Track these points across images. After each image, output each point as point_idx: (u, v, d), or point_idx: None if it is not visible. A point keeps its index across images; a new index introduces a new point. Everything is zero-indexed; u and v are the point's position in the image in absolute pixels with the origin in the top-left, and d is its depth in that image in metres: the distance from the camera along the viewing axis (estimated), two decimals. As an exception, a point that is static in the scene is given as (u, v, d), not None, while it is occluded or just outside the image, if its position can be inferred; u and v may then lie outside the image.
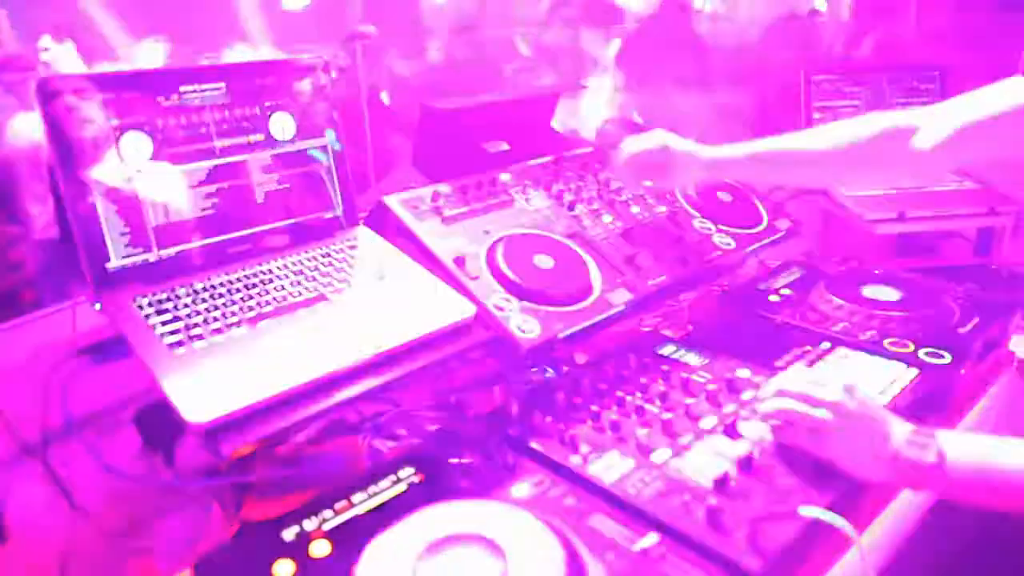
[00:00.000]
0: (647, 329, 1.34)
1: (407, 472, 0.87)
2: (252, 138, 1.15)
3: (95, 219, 1.01)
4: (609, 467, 0.90)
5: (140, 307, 1.01)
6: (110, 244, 1.03)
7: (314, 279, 1.12)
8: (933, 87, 2.08)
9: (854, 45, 3.00)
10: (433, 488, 0.85)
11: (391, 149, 2.22)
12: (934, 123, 1.13)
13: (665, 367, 1.13)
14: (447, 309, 1.10)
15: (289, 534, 0.78)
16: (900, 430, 0.89)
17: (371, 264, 1.17)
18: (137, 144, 1.05)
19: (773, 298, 1.37)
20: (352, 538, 0.77)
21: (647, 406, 1.02)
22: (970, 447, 0.88)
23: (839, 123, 1.25)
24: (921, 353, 1.15)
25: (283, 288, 1.09)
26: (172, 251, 1.08)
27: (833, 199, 1.93)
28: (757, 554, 0.77)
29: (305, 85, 1.19)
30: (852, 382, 0.94)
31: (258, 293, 1.07)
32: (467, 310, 1.10)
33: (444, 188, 1.34)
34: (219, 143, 1.12)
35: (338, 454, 1.07)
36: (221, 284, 1.08)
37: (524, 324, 1.13)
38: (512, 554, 0.73)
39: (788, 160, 1.28)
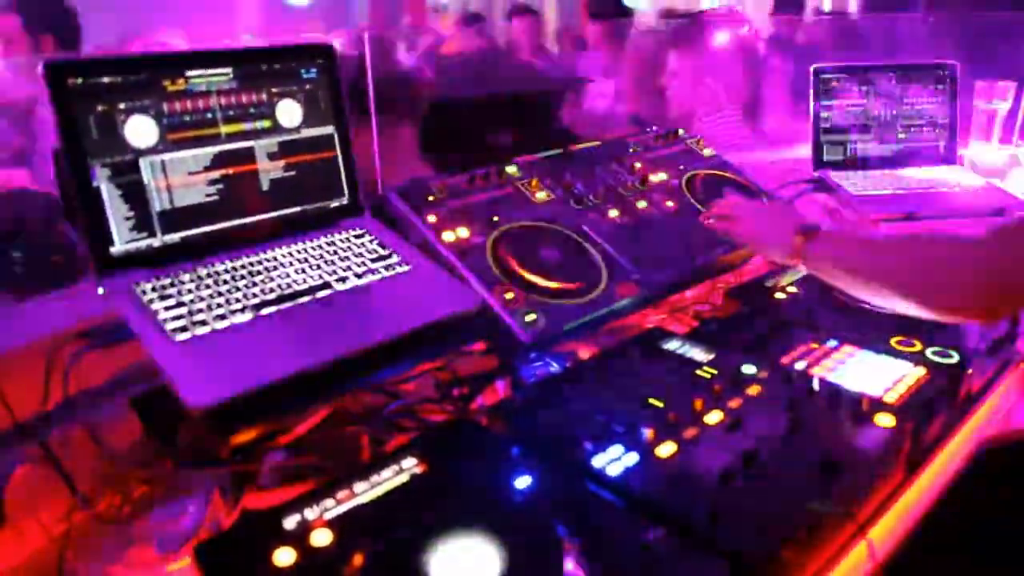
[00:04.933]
0: (652, 324, 1.33)
1: (410, 462, 0.86)
2: (259, 124, 1.14)
3: (99, 203, 1.01)
4: (614, 460, 0.89)
5: (143, 292, 1.00)
6: (114, 228, 1.02)
7: (319, 267, 1.11)
8: (943, 87, 2.07)
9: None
10: (435, 479, 0.85)
11: (398, 139, 2.21)
12: None
13: (670, 362, 1.12)
14: (451, 300, 1.09)
15: (290, 522, 0.77)
16: (801, 223, 1.13)
17: (376, 254, 1.16)
18: (143, 128, 1.04)
19: (779, 295, 1.37)
20: (353, 527, 0.77)
21: (652, 400, 1.01)
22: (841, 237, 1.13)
23: None
24: (928, 352, 1.15)
25: (287, 276, 1.08)
26: (176, 236, 1.07)
27: (839, 197, 1.92)
28: (762, 549, 0.76)
29: (313, 72, 1.18)
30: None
31: (262, 280, 1.06)
32: (471, 302, 1.09)
33: (451, 179, 1.33)
34: (225, 129, 1.11)
35: (340, 443, 1.06)
36: (225, 271, 1.07)
37: (528, 317, 1.13)
38: (515, 548, 0.72)
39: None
